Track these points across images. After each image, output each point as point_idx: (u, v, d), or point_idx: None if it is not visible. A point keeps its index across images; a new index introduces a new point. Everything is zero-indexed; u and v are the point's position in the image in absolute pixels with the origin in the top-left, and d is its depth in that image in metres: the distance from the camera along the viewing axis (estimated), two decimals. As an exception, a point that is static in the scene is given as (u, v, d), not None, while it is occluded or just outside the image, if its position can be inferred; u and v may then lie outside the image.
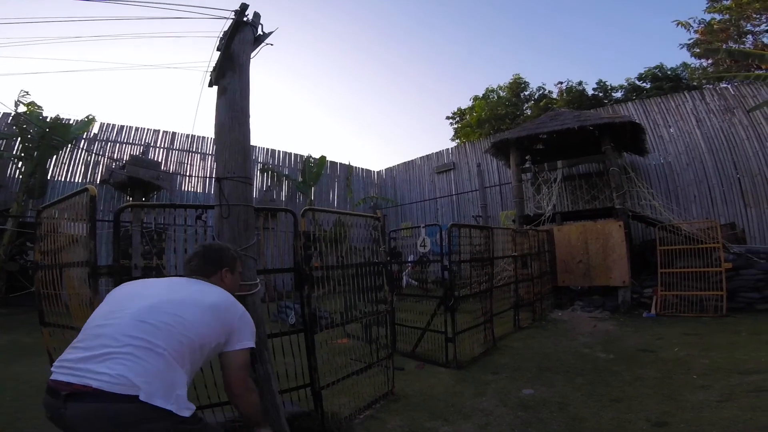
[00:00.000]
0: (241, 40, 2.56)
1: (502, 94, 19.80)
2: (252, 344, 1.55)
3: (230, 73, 2.42)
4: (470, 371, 4.47)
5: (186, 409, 1.26)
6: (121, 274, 2.25)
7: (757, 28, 12.00)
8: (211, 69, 2.60)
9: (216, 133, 2.36)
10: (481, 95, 20.50)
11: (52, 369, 1.26)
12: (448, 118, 22.05)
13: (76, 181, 10.75)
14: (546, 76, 51.87)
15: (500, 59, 44.98)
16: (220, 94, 2.41)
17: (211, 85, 2.55)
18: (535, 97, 19.35)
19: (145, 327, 1.30)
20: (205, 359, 1.48)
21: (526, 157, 10.22)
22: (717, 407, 2.97)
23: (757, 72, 8.43)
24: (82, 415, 1.16)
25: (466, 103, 21.27)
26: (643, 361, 4.41)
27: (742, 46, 11.38)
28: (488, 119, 18.81)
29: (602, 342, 5.38)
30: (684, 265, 7.13)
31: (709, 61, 14.27)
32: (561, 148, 10.11)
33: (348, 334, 4.86)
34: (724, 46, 12.28)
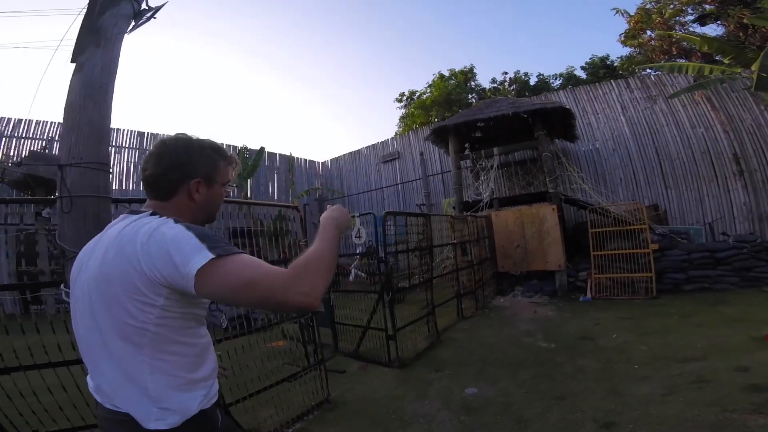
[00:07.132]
0: (114, 13, 2.11)
1: (453, 81, 19.70)
2: (210, 254, 0.88)
3: (92, 48, 1.97)
4: (414, 369, 4.28)
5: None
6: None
7: (685, 18, 12.28)
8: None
9: (64, 114, 1.89)
10: (438, 76, 20.07)
11: None
12: (396, 100, 21.76)
13: (-37, 180, 9.26)
14: (497, 70, 53.01)
15: (451, 52, 45.01)
16: (76, 72, 1.96)
17: (73, 61, 2.05)
18: (486, 87, 19.58)
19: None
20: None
21: (465, 145, 10.21)
22: (662, 402, 2.92)
23: (680, 62, 8.79)
24: None
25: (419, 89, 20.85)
26: (583, 350, 4.39)
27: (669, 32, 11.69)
28: (440, 102, 18.64)
29: (543, 329, 5.39)
30: (614, 247, 7.40)
31: (638, 50, 14.53)
32: (498, 136, 10.19)
33: (285, 336, 4.48)
34: (650, 34, 12.67)
